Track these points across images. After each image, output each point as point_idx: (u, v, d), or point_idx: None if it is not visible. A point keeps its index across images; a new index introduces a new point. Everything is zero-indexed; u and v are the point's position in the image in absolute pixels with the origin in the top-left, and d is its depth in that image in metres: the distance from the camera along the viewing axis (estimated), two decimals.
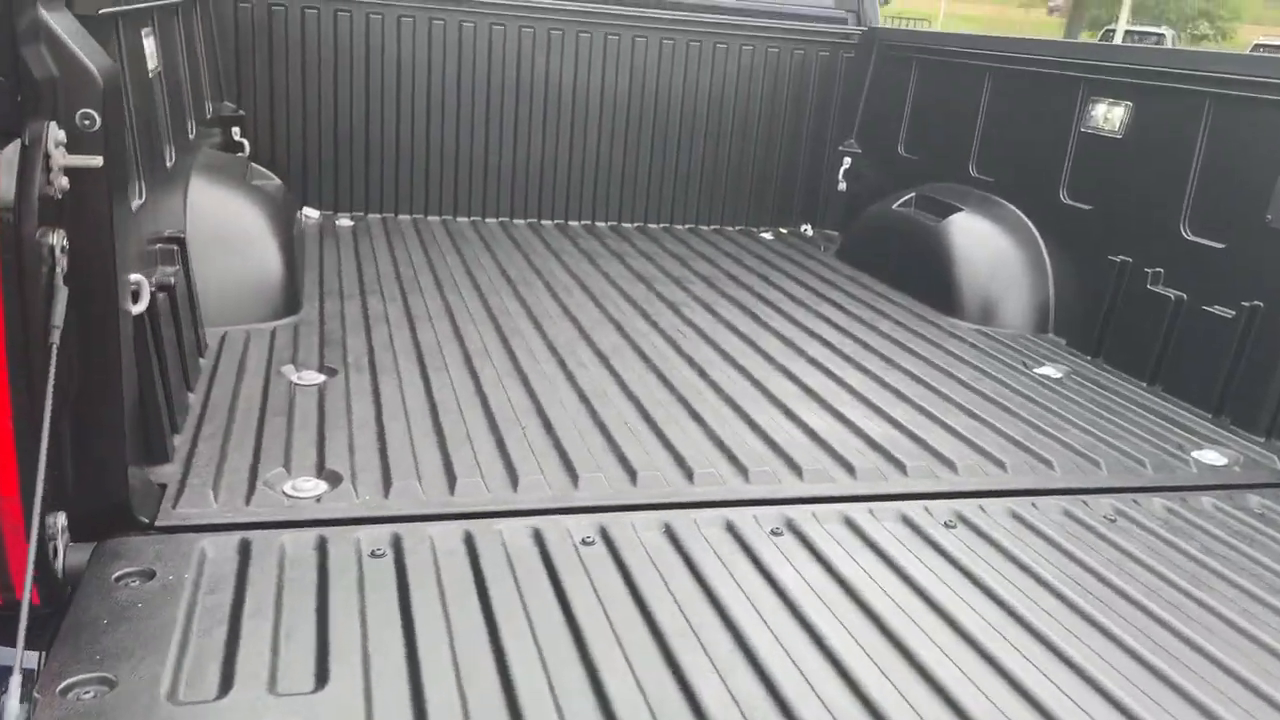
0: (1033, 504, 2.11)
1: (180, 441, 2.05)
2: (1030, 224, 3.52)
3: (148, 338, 1.93)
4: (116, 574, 1.58)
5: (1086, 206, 3.31)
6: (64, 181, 1.47)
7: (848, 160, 4.65)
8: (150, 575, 1.58)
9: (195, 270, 2.66)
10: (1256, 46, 32.06)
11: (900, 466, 2.23)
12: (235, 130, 3.91)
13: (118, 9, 2.00)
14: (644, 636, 1.55)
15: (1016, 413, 2.62)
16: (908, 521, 1.99)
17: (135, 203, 2.15)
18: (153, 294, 1.99)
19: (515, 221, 4.37)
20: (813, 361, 2.89)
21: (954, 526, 2.00)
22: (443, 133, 4.22)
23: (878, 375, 2.82)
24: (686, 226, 4.59)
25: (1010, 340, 3.27)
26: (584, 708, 1.38)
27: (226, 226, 2.84)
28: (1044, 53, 3.59)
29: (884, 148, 4.45)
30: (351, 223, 4.08)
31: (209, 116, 3.54)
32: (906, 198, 3.99)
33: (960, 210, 3.66)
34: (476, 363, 2.63)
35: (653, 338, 2.99)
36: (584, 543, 1.81)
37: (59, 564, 1.60)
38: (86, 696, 1.31)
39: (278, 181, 3.42)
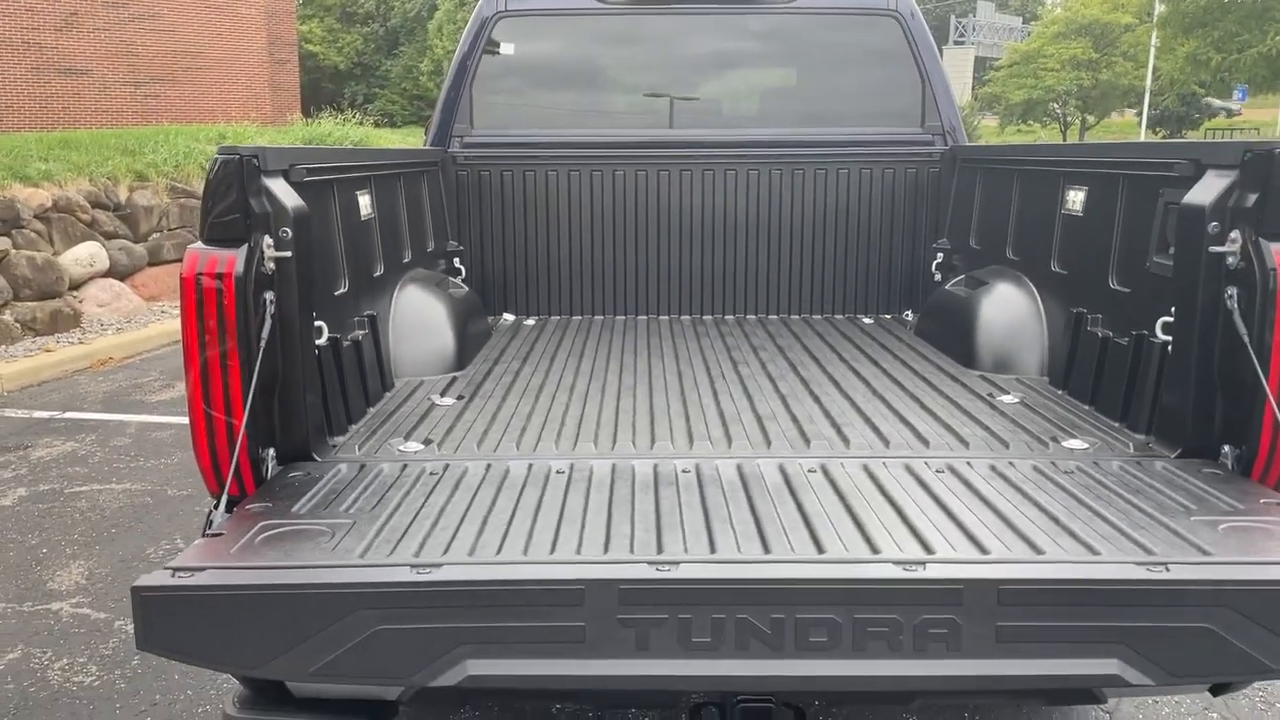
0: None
1: (355, 426, 3.42)
2: (1034, 289, 4.27)
3: (333, 364, 3.33)
4: (290, 474, 2.91)
5: (1064, 271, 4.04)
6: (270, 265, 2.89)
7: (940, 255, 5.51)
8: (306, 475, 2.91)
9: (393, 338, 4.12)
10: None
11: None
12: (455, 259, 5.52)
13: (322, 178, 3.49)
14: None
15: (941, 417, 3.44)
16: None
17: (339, 290, 3.62)
18: (340, 341, 3.41)
19: (660, 317, 5.61)
20: (806, 387, 3.84)
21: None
22: (604, 253, 5.59)
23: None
24: (800, 316, 5.61)
25: (1003, 383, 4.02)
26: None
27: (418, 314, 4.31)
28: (1037, 155, 4.39)
29: (964, 242, 5.29)
30: (534, 321, 5.51)
31: (431, 249, 5.12)
32: (959, 279, 4.83)
33: (986, 284, 4.46)
34: (573, 403, 3.81)
35: (729, 379, 4.07)
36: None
37: (268, 474, 2.95)
38: (254, 509, 2.61)
39: (466, 290, 4.91)
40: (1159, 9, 40.27)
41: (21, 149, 11.87)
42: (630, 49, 5.81)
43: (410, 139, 27.62)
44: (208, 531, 2.46)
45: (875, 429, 3.32)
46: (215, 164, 2.87)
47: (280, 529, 2.45)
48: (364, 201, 3.99)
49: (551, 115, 5.75)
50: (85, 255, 11.24)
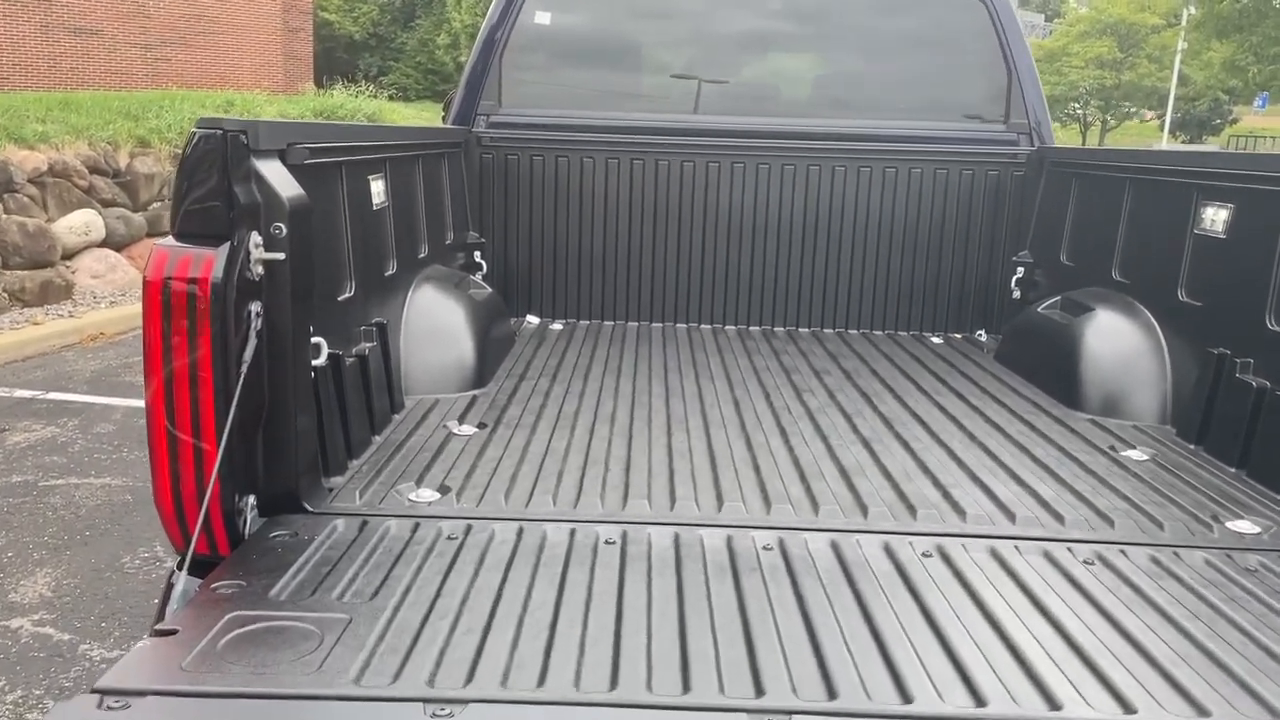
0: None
1: (357, 463, 2.83)
2: (1154, 321, 3.66)
3: (332, 389, 2.74)
4: (274, 534, 2.33)
5: (1197, 303, 3.44)
6: (258, 270, 2.30)
7: (1021, 269, 4.90)
8: (294, 536, 2.32)
9: (404, 350, 3.53)
10: None
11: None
12: (476, 253, 4.92)
13: (329, 160, 2.90)
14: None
15: (1060, 474, 2.84)
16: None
17: (344, 295, 3.02)
18: (343, 359, 2.83)
19: (701, 326, 5.01)
20: (894, 432, 3.25)
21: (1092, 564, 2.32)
22: (642, 253, 4.98)
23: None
24: (860, 331, 5.01)
25: (1116, 429, 3.42)
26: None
27: (433, 321, 3.71)
28: (1162, 162, 3.77)
29: (1051, 257, 4.67)
30: (562, 326, 4.91)
31: (449, 241, 4.52)
32: (1054, 301, 4.22)
33: (1091, 310, 3.86)
34: (598, 427, 3.26)
35: (762, 414, 3.47)
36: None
37: (246, 530, 2.37)
38: (223, 590, 2.03)
39: (488, 291, 4.31)
40: (1189, 12, 39.50)
41: (19, 109, 11.25)
42: (679, 24, 5.19)
43: (425, 115, 26.98)
44: (157, 626, 1.87)
45: (991, 494, 2.72)
46: (193, 139, 2.28)
47: (254, 624, 1.87)
48: (377, 188, 3.39)
49: (590, 96, 5.13)
50: (80, 223, 10.63)
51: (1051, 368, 3.89)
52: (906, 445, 3.17)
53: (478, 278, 4.74)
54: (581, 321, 5.02)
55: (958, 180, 4.92)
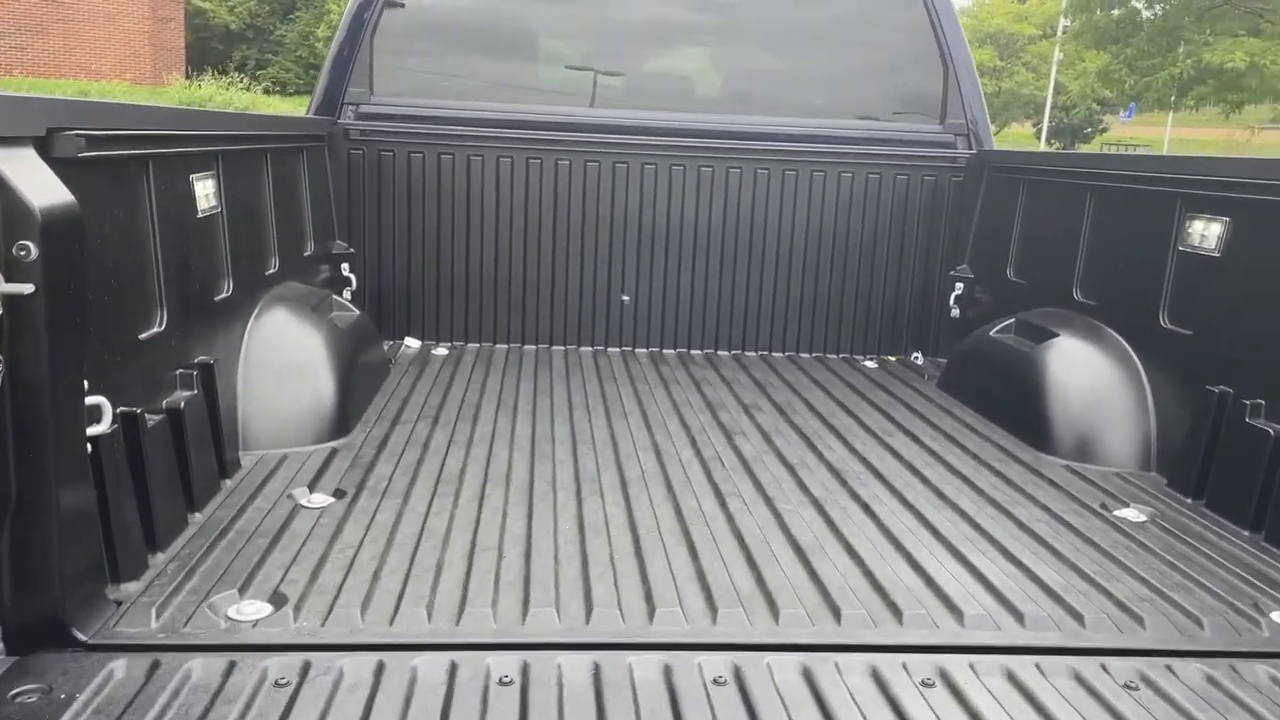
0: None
1: (162, 559, 2.12)
2: (1130, 350, 3.20)
3: (122, 463, 2.03)
4: (14, 690, 1.61)
5: (1186, 331, 2.98)
6: None
7: (960, 285, 4.43)
8: (46, 692, 1.61)
9: (243, 393, 2.82)
10: None
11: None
12: (344, 266, 4.19)
13: (124, 153, 2.18)
14: None
15: (1066, 555, 2.32)
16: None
17: (149, 331, 2.30)
18: (141, 420, 2.11)
19: (609, 349, 4.39)
20: (855, 496, 2.69)
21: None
22: (540, 266, 4.33)
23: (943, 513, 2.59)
24: (786, 355, 4.46)
25: (1098, 478, 2.93)
26: None
27: (281, 355, 3.00)
28: (1138, 168, 3.32)
29: (995, 272, 4.21)
30: (447, 351, 4.22)
31: (309, 253, 3.80)
32: (1007, 323, 3.74)
33: (1056, 336, 3.38)
34: (490, 492, 2.61)
35: (689, 465, 2.87)
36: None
37: None
38: None
39: (355, 314, 3.60)
40: (1064, 23, 40.77)
41: None
42: (579, 7, 4.56)
43: (302, 109, 25.70)
44: None
45: (984, 580, 2.17)
46: None
47: None
48: (205, 189, 2.67)
49: (478, 85, 4.46)
50: None
51: (1012, 403, 3.40)
52: (866, 507, 2.61)
53: (344, 296, 4.02)
54: (470, 345, 4.34)
55: (891, 185, 4.42)
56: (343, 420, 3.03)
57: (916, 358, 4.50)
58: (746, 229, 4.39)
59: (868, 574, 2.20)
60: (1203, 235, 2.95)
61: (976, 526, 2.50)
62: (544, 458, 2.89)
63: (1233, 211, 2.84)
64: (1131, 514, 2.65)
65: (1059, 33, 42.33)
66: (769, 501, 2.62)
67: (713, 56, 4.90)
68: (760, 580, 2.14)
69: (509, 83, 4.53)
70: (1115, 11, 33.11)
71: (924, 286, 4.49)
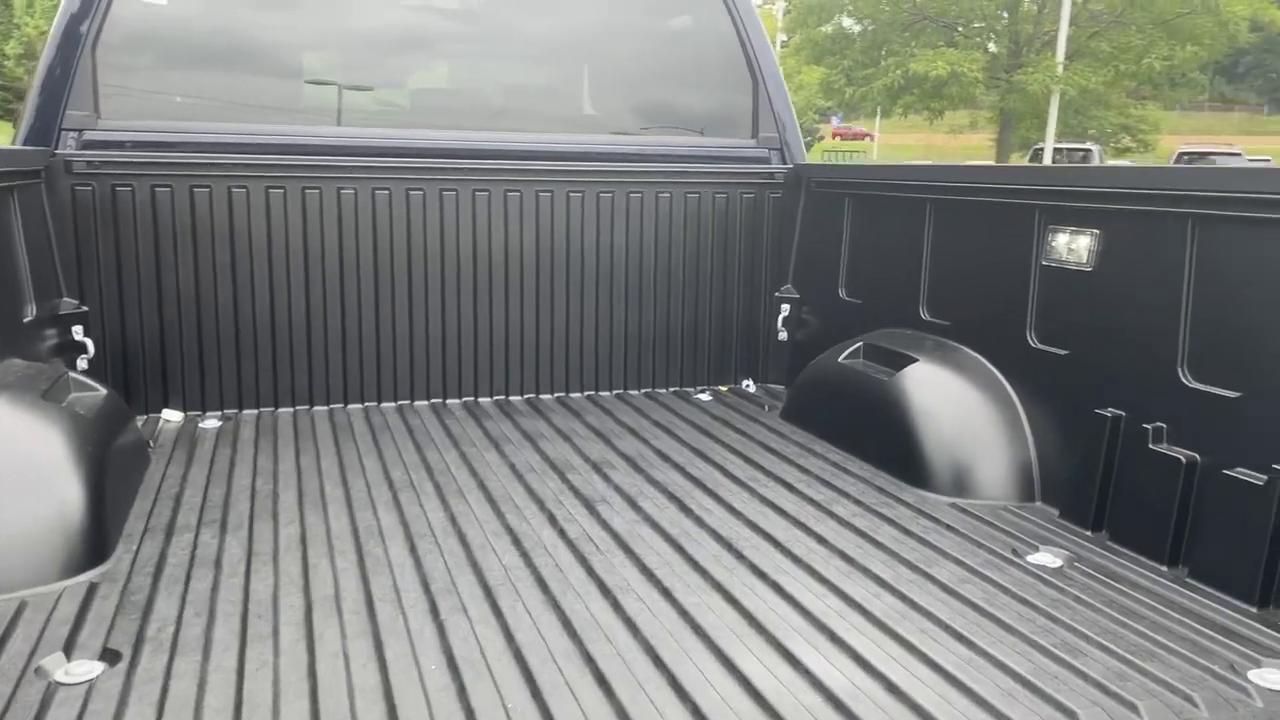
0: None
1: None
2: (997, 373, 3.04)
3: None
4: None
5: (1061, 351, 2.83)
6: None
7: (786, 307, 4.20)
8: None
9: None
10: (1180, 155, 33.25)
11: None
12: (76, 329, 3.39)
13: None
14: None
15: (1017, 629, 2.05)
16: None
17: None
18: None
19: (416, 404, 3.82)
20: (760, 573, 2.32)
21: None
22: (326, 311, 3.70)
23: (831, 582, 2.25)
24: (614, 393, 4.06)
25: (989, 515, 2.73)
26: None
27: (6, 463, 2.26)
28: (988, 179, 3.18)
29: (824, 291, 4.00)
30: (219, 423, 3.50)
31: (29, 318, 3.01)
32: (854, 348, 3.52)
33: (915, 360, 3.17)
34: (319, 623, 2.03)
35: (558, 552, 2.41)
36: None
37: None
38: None
39: (102, 393, 2.86)
40: (781, 39, 43.15)
41: None
42: (344, 13, 3.95)
43: (4, 139, 22.74)
44: None
45: (965, 690, 1.83)
46: None
47: None
48: None
49: (236, 105, 3.76)
50: None
51: (879, 437, 3.16)
52: (777, 587, 2.24)
53: (80, 366, 3.25)
54: (247, 413, 3.64)
55: (711, 204, 4.12)
56: (100, 540, 2.33)
57: (748, 385, 4.23)
58: (562, 258, 3.95)
59: (817, 684, 1.82)
60: (1069, 248, 2.82)
61: (905, 599, 2.19)
62: (377, 563, 2.33)
63: (1103, 223, 2.72)
64: (1046, 559, 2.44)
65: (778, 47, 44.74)
66: (667, 593, 2.20)
67: (502, 69, 4.43)
68: (699, 716, 1.72)
69: (270, 97, 3.87)
70: (826, 28, 35.40)
71: (750, 310, 4.23)
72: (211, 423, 3.51)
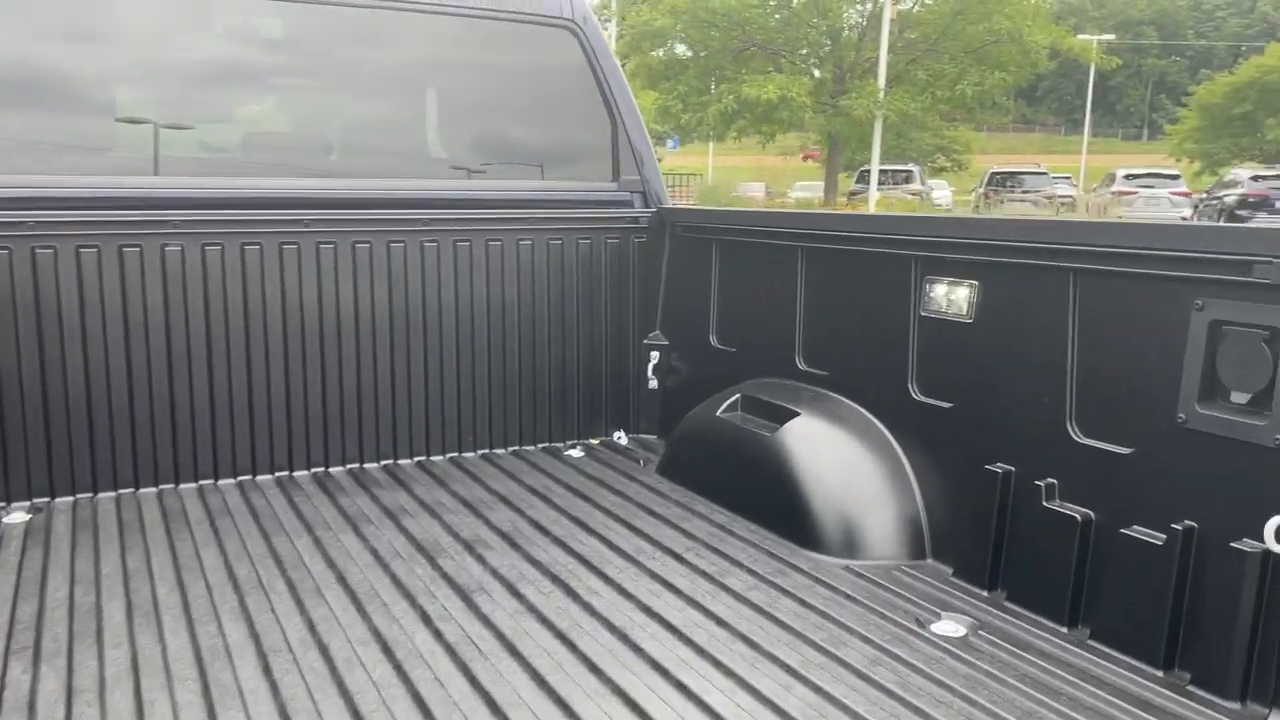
0: None
1: None
2: (881, 426, 2.97)
3: None
4: None
5: (945, 404, 2.79)
6: None
7: (655, 354, 4.07)
8: None
9: None
10: (992, 174, 35.31)
11: None
12: None
13: None
14: None
15: (935, 717, 1.95)
16: None
17: None
18: None
19: (258, 479, 3.47)
20: (661, 670, 2.14)
21: None
22: (151, 379, 3.31)
23: (735, 673, 2.10)
24: (479, 454, 3.81)
25: (882, 578, 2.64)
26: None
27: None
28: (861, 229, 3.12)
29: (695, 339, 3.89)
30: (27, 516, 3.07)
31: None
32: (731, 400, 3.40)
33: (797, 415, 3.08)
34: None
35: (436, 661, 2.16)
36: None
37: None
38: None
39: None
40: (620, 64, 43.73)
41: None
42: (154, 44, 3.58)
43: None
44: None
45: None
46: None
47: None
48: None
49: (36, 149, 3.32)
50: None
51: (763, 496, 3.04)
52: (685, 690, 2.06)
53: None
54: (60, 501, 3.21)
55: (574, 251, 3.95)
56: None
57: (620, 437, 4.06)
58: (418, 312, 3.68)
59: None
60: (949, 299, 2.78)
61: (819, 690, 2.06)
62: (225, 692, 2.03)
63: (981, 275, 2.69)
64: (950, 628, 2.36)
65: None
66: (563, 704, 1.99)
67: (330, 108, 4.12)
68: None
69: (76, 145, 3.45)
70: (658, 53, 36.02)
71: (618, 359, 4.07)
72: (18, 516, 3.07)
